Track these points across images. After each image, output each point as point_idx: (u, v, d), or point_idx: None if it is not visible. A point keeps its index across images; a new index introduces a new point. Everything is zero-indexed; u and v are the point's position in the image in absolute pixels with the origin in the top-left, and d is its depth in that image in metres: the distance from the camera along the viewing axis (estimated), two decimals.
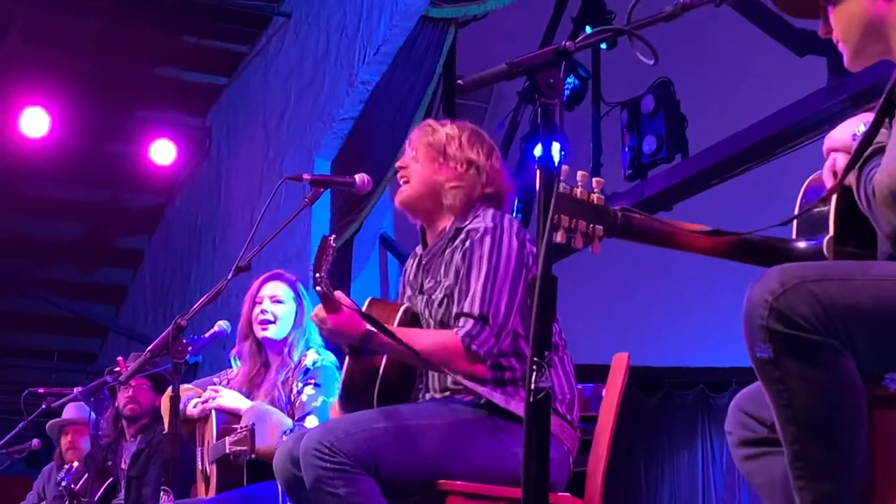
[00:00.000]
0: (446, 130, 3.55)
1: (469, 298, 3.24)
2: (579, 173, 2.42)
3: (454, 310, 3.28)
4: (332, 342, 3.26)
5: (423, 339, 3.25)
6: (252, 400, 4.78)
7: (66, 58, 9.58)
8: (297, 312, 4.91)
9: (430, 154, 3.51)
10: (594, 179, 2.44)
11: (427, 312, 3.42)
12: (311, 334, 4.92)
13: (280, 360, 4.85)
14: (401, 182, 3.56)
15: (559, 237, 2.19)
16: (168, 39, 9.85)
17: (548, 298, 1.91)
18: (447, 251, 3.43)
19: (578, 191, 2.40)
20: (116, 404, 6.19)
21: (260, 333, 4.87)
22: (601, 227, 2.41)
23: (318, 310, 3.13)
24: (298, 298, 4.95)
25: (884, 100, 2.19)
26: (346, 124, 7.99)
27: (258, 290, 4.93)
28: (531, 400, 1.92)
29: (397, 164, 3.59)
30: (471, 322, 3.21)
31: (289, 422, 4.58)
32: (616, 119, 7.00)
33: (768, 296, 2.08)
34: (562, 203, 2.28)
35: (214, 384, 4.94)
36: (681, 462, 9.69)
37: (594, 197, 2.42)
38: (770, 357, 2.08)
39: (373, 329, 3.14)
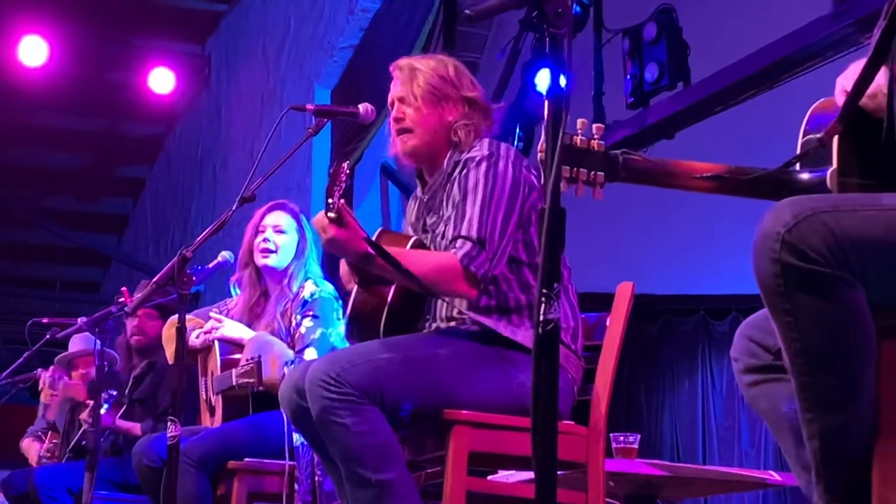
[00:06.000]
0: (430, 69, 3.47)
1: (466, 222, 3.23)
2: (579, 121, 2.39)
3: (451, 233, 3.27)
4: (330, 251, 3.22)
5: (423, 259, 3.24)
6: (253, 331, 4.81)
7: None
8: (298, 243, 4.93)
9: (428, 101, 3.44)
10: (594, 126, 2.41)
11: (433, 248, 3.41)
12: (311, 265, 4.94)
13: (279, 290, 4.88)
14: (397, 134, 3.48)
15: (561, 187, 2.17)
16: None
17: (556, 231, 1.91)
18: (447, 185, 3.41)
19: (578, 139, 2.38)
20: (126, 336, 6.23)
21: (260, 261, 4.88)
22: (602, 173, 2.40)
23: (321, 217, 3.05)
24: (301, 230, 4.96)
25: (881, 35, 2.17)
26: (346, 52, 7.95)
27: (261, 218, 4.95)
28: (540, 331, 1.93)
29: (393, 116, 3.49)
30: (469, 244, 3.20)
31: (290, 353, 4.61)
32: (618, 47, 6.94)
33: (780, 228, 2.07)
34: (563, 153, 2.26)
35: (215, 314, 4.97)
36: (681, 388, 9.74)
37: (594, 143, 2.40)
38: (780, 289, 2.08)
39: (372, 251, 3.12)
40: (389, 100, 3.54)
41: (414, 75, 3.48)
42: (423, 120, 3.45)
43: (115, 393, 5.94)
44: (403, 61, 3.57)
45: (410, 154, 3.49)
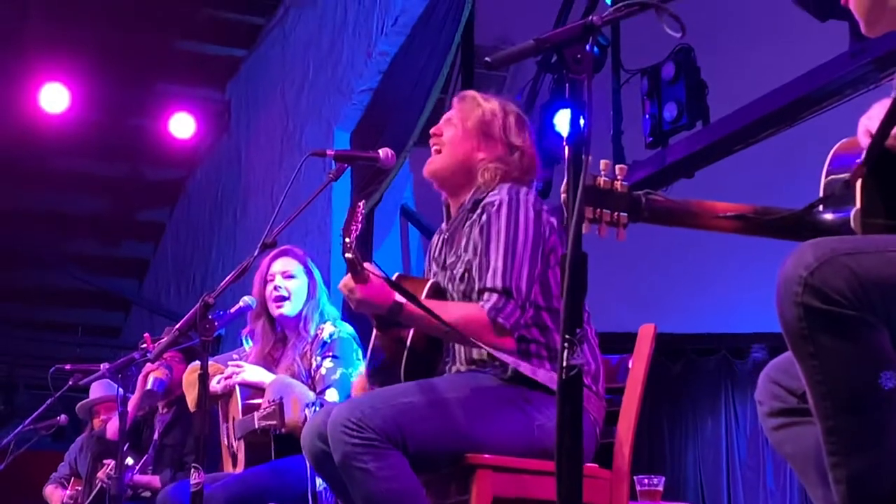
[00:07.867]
0: (491, 107, 3.53)
1: (491, 273, 3.23)
2: (602, 162, 2.40)
3: (476, 286, 3.27)
4: (360, 312, 3.24)
5: (450, 311, 3.24)
6: (273, 374, 4.80)
7: (84, 33, 9.58)
8: (308, 286, 4.94)
9: (471, 130, 3.49)
10: (617, 167, 2.42)
11: (451, 287, 3.41)
12: (325, 306, 4.95)
13: (297, 334, 4.88)
14: (432, 150, 3.55)
15: (584, 228, 2.18)
16: (186, 12, 9.83)
17: (578, 276, 1.90)
18: (465, 224, 3.42)
19: (602, 180, 2.39)
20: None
21: (276, 311, 4.89)
22: (626, 214, 2.41)
23: (347, 280, 3.10)
24: (308, 272, 4.97)
25: None
26: (365, 95, 7.98)
27: (268, 268, 4.95)
28: (563, 377, 1.92)
29: (432, 130, 3.56)
30: (495, 296, 3.20)
31: (311, 395, 4.60)
32: (636, 86, 6.96)
33: (803, 271, 2.06)
34: (586, 194, 2.27)
35: (234, 360, 4.97)
36: (704, 427, 9.71)
37: (618, 184, 2.40)
38: (804, 332, 2.07)
39: (401, 300, 3.14)
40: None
41: (473, 104, 3.55)
42: (455, 143, 3.50)
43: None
44: (469, 93, 3.64)
45: (431, 174, 3.54)
